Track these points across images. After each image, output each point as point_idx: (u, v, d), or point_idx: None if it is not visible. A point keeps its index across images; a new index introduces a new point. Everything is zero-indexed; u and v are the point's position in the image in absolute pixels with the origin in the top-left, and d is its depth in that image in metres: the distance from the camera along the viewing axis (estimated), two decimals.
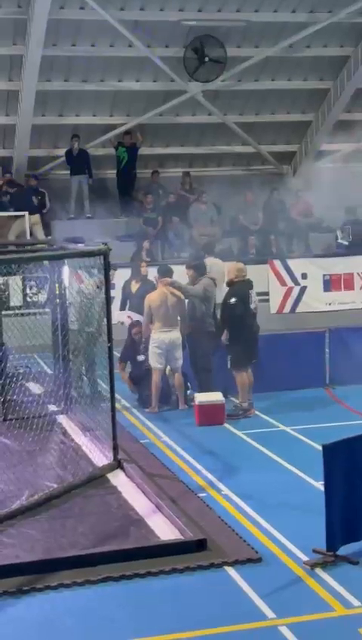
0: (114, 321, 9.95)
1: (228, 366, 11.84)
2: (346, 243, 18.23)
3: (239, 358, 11.73)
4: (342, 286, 17.91)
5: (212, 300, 12.45)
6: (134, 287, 13.39)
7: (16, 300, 14.01)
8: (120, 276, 14.04)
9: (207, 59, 18.46)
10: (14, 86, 18.20)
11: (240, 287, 11.87)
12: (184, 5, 17.73)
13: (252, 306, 11.82)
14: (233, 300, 11.72)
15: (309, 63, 19.49)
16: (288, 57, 19.15)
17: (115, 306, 12.73)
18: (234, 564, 7.10)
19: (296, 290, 17.65)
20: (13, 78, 18.18)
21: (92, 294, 10.17)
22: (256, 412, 11.83)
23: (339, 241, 18.35)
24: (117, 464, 9.33)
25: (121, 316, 12.75)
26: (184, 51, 18.47)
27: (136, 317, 12.69)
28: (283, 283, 17.64)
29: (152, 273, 13.33)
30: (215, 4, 17.82)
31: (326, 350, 13.31)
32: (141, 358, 12.29)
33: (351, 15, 18.21)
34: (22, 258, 9.89)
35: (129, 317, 12.86)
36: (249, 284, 11.96)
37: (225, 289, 12.22)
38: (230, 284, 12.01)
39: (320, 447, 7.14)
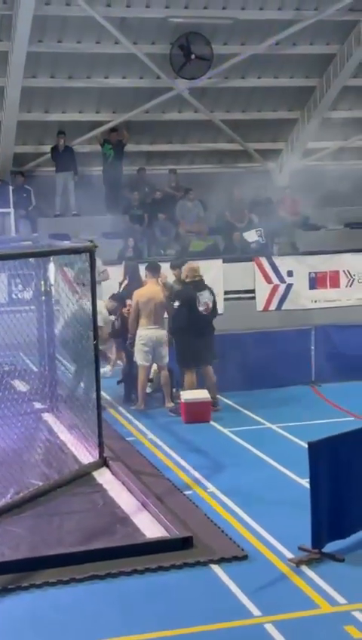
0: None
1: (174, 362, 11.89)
2: (262, 241, 18.23)
3: (183, 359, 11.74)
4: (328, 284, 17.94)
5: None
6: (123, 284, 13.40)
7: (1, 296, 13.94)
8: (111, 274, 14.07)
9: (193, 56, 18.40)
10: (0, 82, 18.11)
11: (187, 290, 11.82)
12: (170, 2, 17.68)
13: (200, 308, 11.68)
14: (176, 303, 11.73)
15: (296, 60, 19.48)
16: (274, 55, 19.13)
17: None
18: (220, 561, 7.11)
19: (282, 287, 17.66)
20: None
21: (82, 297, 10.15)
22: (242, 409, 11.86)
23: (257, 239, 18.30)
24: (103, 462, 9.32)
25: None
26: (170, 48, 18.43)
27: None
28: (269, 280, 17.66)
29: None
30: (201, 1, 17.77)
31: (312, 348, 13.34)
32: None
33: (337, 13, 18.21)
34: (7, 255, 9.82)
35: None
36: (198, 286, 11.81)
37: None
38: (182, 283, 11.99)
39: (306, 445, 7.15)
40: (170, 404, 11.97)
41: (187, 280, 11.90)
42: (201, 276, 12.03)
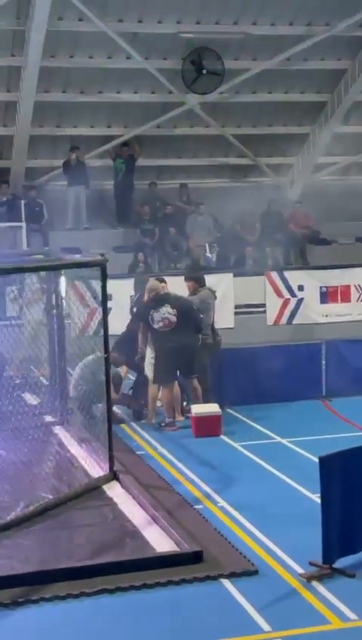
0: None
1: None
2: (213, 258, 18.18)
3: (156, 374, 11.72)
4: (339, 298, 17.92)
5: (210, 312, 12.45)
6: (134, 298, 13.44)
7: (12, 310, 13.97)
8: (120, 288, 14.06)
9: (204, 71, 18.49)
10: (12, 97, 18.23)
11: (141, 308, 11.87)
12: (182, 17, 17.79)
13: (156, 325, 11.56)
14: (134, 309, 11.84)
15: (307, 75, 19.54)
16: (286, 70, 19.20)
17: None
18: (230, 576, 7.07)
19: (293, 301, 17.65)
20: (12, 89, 18.21)
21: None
22: (253, 423, 11.84)
23: (207, 255, 18.27)
24: (113, 475, 9.30)
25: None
26: (182, 63, 18.52)
27: None
28: (279, 295, 17.65)
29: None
30: (213, 16, 17.88)
31: (323, 362, 13.31)
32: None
33: (349, 28, 18.29)
34: (19, 268, 9.85)
35: None
36: (155, 303, 11.69)
37: None
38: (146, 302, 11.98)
39: (317, 459, 7.13)
40: (180, 418, 11.95)
41: (150, 298, 11.88)
42: (159, 292, 11.81)
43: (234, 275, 17.55)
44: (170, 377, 11.67)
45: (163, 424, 11.71)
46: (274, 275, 17.69)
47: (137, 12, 17.50)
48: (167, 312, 11.60)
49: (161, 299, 11.73)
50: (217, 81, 18.70)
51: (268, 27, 18.23)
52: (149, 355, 11.91)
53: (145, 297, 11.93)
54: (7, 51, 17.62)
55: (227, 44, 18.51)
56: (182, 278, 13.13)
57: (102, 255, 9.33)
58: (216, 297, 12.85)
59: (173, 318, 11.58)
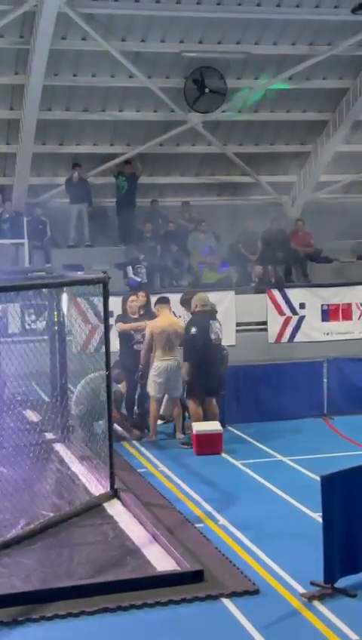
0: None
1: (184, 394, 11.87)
2: (139, 279, 18.16)
3: (193, 388, 11.69)
4: (341, 316, 17.94)
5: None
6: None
7: (14, 326, 13.99)
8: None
9: (207, 90, 18.59)
10: (16, 115, 18.31)
11: (201, 318, 11.86)
12: (185, 37, 17.91)
13: (212, 336, 11.67)
14: (193, 330, 11.72)
15: (308, 94, 19.64)
16: (287, 89, 19.30)
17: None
18: (231, 595, 7.04)
19: (294, 319, 17.68)
20: (15, 107, 18.30)
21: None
22: (254, 442, 11.81)
23: (131, 276, 18.28)
24: (114, 493, 9.28)
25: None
26: (184, 82, 18.62)
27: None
28: (281, 312, 17.67)
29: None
30: (215, 35, 18.00)
31: (325, 380, 13.30)
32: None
33: (350, 48, 18.40)
34: (21, 286, 9.86)
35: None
36: (210, 314, 11.86)
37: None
38: (193, 314, 12.03)
39: (318, 478, 7.12)
40: (181, 436, 11.94)
41: (196, 309, 11.92)
42: (208, 305, 11.98)
43: (236, 293, 17.59)
44: (205, 393, 11.71)
45: (185, 445, 11.62)
46: (276, 292, 17.73)
47: (140, 31, 17.61)
48: (217, 326, 11.87)
49: (212, 313, 11.90)
50: (219, 99, 18.80)
51: (270, 46, 18.34)
52: (153, 373, 11.91)
53: (196, 308, 11.91)
54: (10, 69, 17.73)
55: (229, 64, 18.62)
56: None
57: (104, 272, 9.36)
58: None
59: (220, 334, 11.85)
